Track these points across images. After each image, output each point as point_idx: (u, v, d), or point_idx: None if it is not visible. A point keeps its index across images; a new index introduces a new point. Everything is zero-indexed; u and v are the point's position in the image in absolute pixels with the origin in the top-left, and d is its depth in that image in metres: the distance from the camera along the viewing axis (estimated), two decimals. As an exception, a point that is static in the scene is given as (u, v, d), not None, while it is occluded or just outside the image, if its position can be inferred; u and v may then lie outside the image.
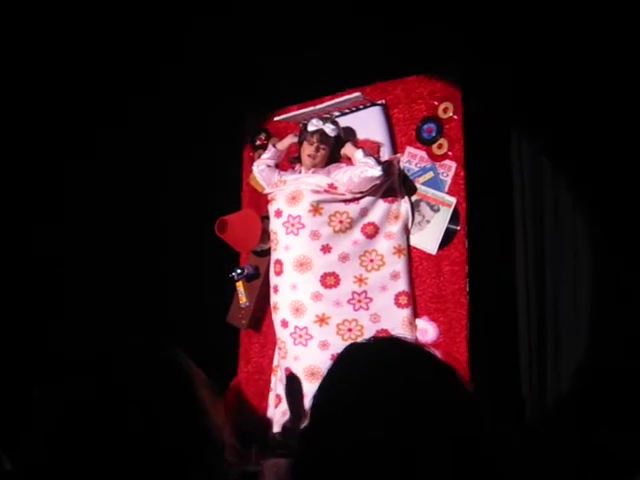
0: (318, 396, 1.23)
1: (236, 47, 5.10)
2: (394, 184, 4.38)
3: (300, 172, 4.45)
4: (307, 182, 4.34)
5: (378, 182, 4.21)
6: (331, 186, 4.29)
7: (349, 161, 4.36)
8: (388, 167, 4.33)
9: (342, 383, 1.21)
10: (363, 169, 4.17)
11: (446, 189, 4.30)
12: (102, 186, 5.23)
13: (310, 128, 4.36)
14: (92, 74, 5.11)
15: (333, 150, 4.40)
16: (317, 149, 4.36)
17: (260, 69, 5.07)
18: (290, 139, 4.63)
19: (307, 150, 4.38)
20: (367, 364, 1.21)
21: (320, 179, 4.32)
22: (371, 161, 4.18)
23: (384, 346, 1.29)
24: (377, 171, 4.14)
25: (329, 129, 4.34)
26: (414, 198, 4.39)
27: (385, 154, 4.48)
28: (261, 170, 4.64)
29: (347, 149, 4.36)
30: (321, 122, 4.36)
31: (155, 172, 5.36)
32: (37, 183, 4.98)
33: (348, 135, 4.53)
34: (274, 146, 4.69)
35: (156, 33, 5.08)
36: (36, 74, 4.93)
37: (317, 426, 1.20)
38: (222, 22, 5.04)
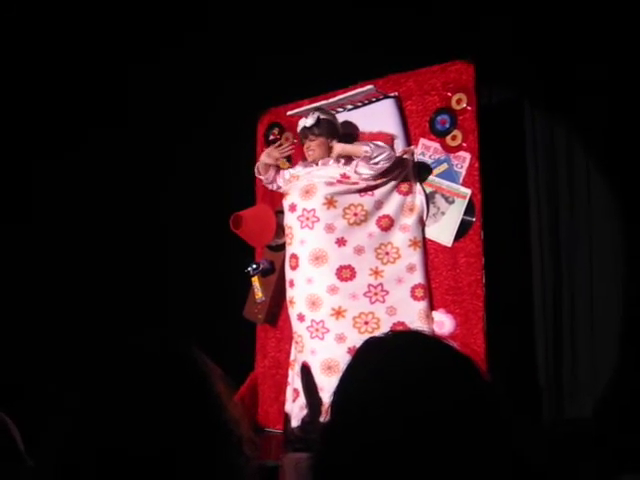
0: (338, 393, 1.22)
1: (249, 41, 5.11)
2: (408, 176, 4.37)
3: (312, 166, 4.44)
4: (319, 175, 4.33)
5: (390, 163, 4.20)
6: (344, 176, 4.29)
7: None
8: (402, 159, 4.34)
9: (361, 379, 1.20)
10: (371, 156, 4.15)
11: (461, 181, 4.28)
12: (117, 182, 5.25)
13: (301, 125, 4.41)
14: (109, 75, 5.15)
15: (327, 134, 4.38)
16: (309, 145, 4.38)
17: (272, 63, 5.07)
18: (267, 153, 4.59)
19: (304, 149, 4.42)
20: (386, 360, 1.20)
21: (332, 170, 4.32)
22: (371, 147, 4.17)
23: (403, 340, 1.28)
24: (386, 151, 4.16)
25: (307, 121, 4.36)
26: (429, 190, 4.38)
27: (399, 146, 4.46)
28: (270, 184, 4.71)
29: (344, 150, 4.32)
30: (303, 119, 4.40)
31: (170, 169, 5.39)
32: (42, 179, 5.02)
33: (348, 129, 4.53)
34: (258, 170, 4.67)
35: (162, 29, 5.10)
36: (41, 68, 4.96)
37: (337, 424, 1.19)
38: (232, 15, 5.05)
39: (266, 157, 4.56)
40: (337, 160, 4.33)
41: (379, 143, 4.24)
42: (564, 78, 4.51)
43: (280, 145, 4.61)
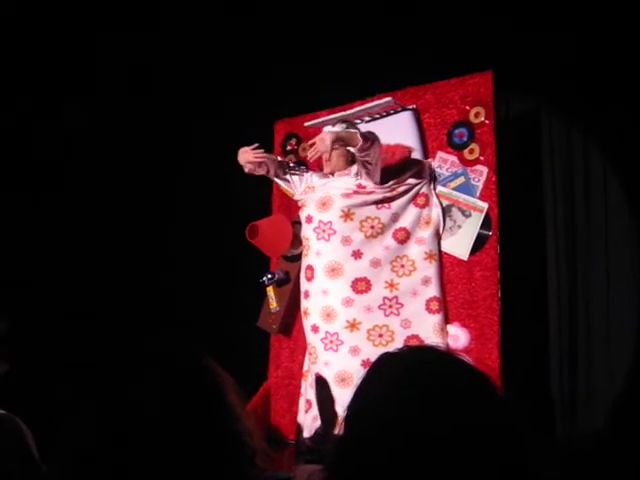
0: (352, 407, 1.22)
1: (268, 53, 5.13)
2: (425, 189, 4.37)
3: (328, 177, 4.43)
4: (335, 186, 4.32)
5: (376, 144, 4.09)
6: (359, 186, 4.26)
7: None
8: (420, 171, 4.35)
9: (376, 395, 1.20)
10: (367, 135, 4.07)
11: (478, 194, 4.27)
12: (134, 189, 5.28)
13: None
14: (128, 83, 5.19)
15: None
16: (329, 153, 4.28)
17: (290, 73, 5.09)
18: (241, 151, 4.33)
19: (323, 159, 4.37)
20: (401, 376, 1.20)
21: (347, 181, 4.30)
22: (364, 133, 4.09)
23: (418, 356, 1.28)
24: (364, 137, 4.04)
25: (332, 130, 4.30)
26: (445, 203, 4.37)
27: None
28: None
29: (338, 136, 4.10)
30: (329, 127, 4.37)
31: (186, 178, 5.41)
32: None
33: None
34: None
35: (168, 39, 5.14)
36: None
37: (351, 438, 1.19)
38: (248, 24, 5.08)
39: (239, 155, 4.34)
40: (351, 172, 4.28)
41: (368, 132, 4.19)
42: (582, 89, 4.49)
43: (256, 148, 4.32)
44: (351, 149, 4.09)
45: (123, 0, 4.98)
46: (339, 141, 4.08)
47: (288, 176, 4.52)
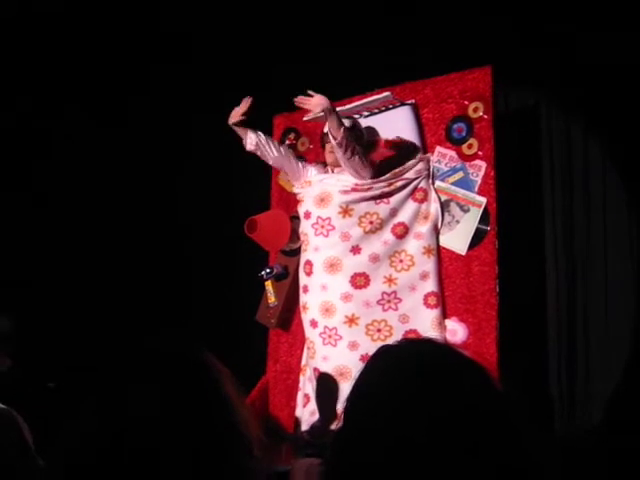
0: (351, 401, 1.22)
1: (267, 47, 5.13)
2: (424, 184, 4.36)
3: (327, 172, 4.42)
4: (333, 183, 4.31)
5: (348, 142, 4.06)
6: (357, 183, 4.26)
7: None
8: (418, 167, 4.34)
9: (374, 387, 1.20)
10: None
11: (476, 189, 4.27)
12: (132, 185, 5.29)
13: (325, 129, 4.22)
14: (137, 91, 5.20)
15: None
16: (331, 148, 4.24)
17: (290, 68, 5.09)
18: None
19: (327, 150, 4.33)
20: (398, 367, 1.20)
21: (345, 178, 4.29)
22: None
23: (415, 348, 1.28)
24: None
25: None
26: (444, 198, 4.37)
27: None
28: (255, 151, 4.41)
29: (331, 115, 4.06)
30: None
31: (185, 172, 5.41)
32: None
33: (370, 135, 4.50)
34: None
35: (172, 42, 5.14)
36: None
37: (350, 432, 1.19)
38: (248, 19, 5.07)
39: (229, 120, 4.29)
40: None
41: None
42: (581, 84, 4.49)
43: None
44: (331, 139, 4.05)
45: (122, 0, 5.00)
46: (328, 115, 4.02)
47: (292, 161, 4.47)
